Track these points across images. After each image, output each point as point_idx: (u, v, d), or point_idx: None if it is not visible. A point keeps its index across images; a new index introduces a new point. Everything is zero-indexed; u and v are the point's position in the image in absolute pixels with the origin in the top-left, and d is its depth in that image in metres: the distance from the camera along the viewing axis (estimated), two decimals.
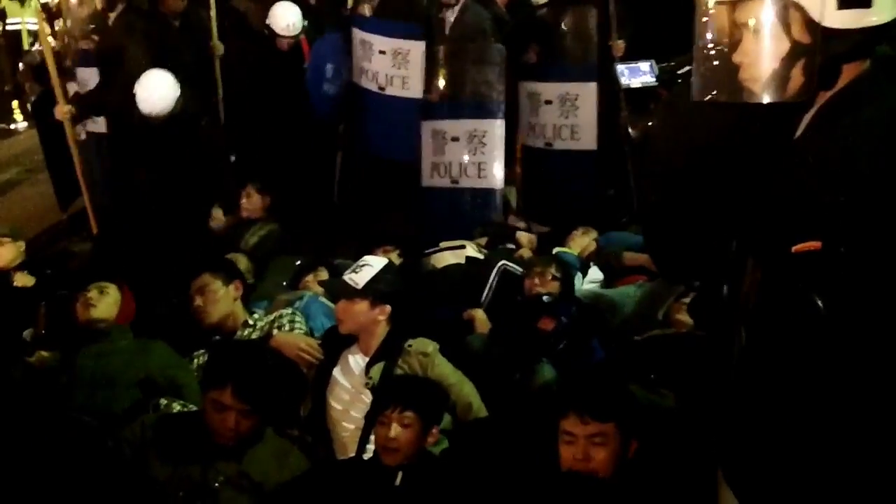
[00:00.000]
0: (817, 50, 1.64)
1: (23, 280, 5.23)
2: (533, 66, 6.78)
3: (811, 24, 1.65)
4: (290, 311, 3.86)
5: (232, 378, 2.89)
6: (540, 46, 6.70)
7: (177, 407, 3.49)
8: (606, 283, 4.87)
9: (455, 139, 6.41)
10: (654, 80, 2.30)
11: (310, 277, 4.73)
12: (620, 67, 2.42)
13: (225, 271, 3.95)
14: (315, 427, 3.47)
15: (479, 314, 4.18)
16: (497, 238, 5.45)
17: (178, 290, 4.06)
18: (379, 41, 6.58)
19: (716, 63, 1.71)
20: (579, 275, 4.81)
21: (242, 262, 5.06)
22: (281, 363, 3.25)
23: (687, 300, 4.00)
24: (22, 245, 5.55)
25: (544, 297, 3.98)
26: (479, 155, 6.36)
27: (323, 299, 4.46)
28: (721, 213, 1.89)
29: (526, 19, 6.96)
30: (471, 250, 5.09)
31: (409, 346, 3.38)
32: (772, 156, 1.79)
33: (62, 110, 6.14)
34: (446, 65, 6.46)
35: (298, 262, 4.93)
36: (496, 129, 6.34)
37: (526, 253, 5.16)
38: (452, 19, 6.48)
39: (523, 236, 5.57)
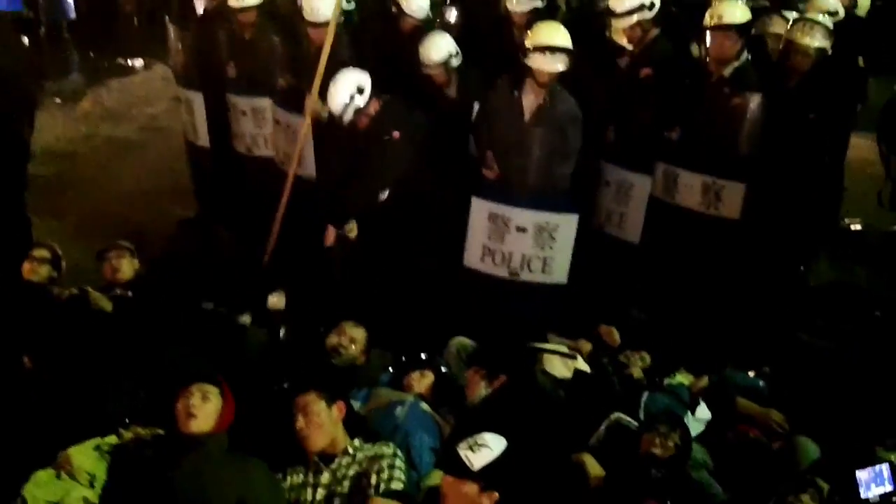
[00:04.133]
0: None
1: (101, 303, 5.09)
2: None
3: None
4: (391, 450, 3.75)
5: None
6: None
7: None
8: (714, 425, 4.63)
9: (521, 230, 5.76)
10: (892, 487, 2.14)
11: (415, 376, 4.62)
12: (859, 475, 2.23)
13: (331, 390, 3.86)
14: None
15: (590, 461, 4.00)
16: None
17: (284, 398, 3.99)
18: None
19: None
20: (689, 413, 4.59)
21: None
22: None
23: (806, 497, 3.80)
24: (137, 263, 5.53)
25: (654, 470, 3.82)
26: (546, 250, 5.76)
27: (424, 406, 4.38)
28: None
29: None
30: (581, 363, 4.88)
31: None
32: None
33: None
34: (520, 151, 5.82)
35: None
36: (571, 223, 5.75)
37: (637, 372, 4.93)
38: (535, 105, 5.74)
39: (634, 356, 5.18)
